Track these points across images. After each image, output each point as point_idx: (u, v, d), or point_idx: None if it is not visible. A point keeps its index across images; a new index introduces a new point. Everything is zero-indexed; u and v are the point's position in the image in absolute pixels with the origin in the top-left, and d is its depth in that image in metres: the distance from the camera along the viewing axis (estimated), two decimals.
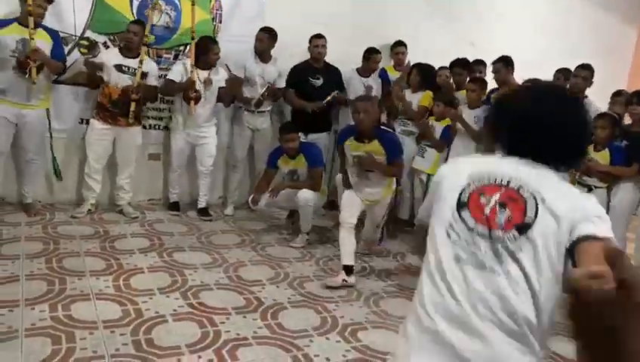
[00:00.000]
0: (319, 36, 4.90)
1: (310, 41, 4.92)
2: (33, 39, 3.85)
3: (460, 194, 1.36)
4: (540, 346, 1.29)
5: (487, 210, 1.31)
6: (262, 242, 4.30)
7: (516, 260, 1.26)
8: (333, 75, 5.04)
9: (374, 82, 5.31)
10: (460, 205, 1.34)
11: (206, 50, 4.47)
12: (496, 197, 1.32)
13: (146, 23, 4.40)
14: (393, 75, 5.43)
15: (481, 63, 5.04)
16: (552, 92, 1.50)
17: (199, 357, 2.57)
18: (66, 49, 4.40)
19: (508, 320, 1.25)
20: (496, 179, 1.35)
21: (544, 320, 1.28)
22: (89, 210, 4.46)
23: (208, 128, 4.68)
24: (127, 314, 2.89)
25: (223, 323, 2.92)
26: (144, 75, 4.33)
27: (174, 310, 3.01)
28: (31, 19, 3.84)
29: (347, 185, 3.88)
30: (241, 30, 4.88)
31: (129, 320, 2.83)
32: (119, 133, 4.40)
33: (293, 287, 3.50)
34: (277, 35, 4.72)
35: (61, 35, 4.38)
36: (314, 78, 4.95)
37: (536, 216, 1.28)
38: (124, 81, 4.28)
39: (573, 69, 4.33)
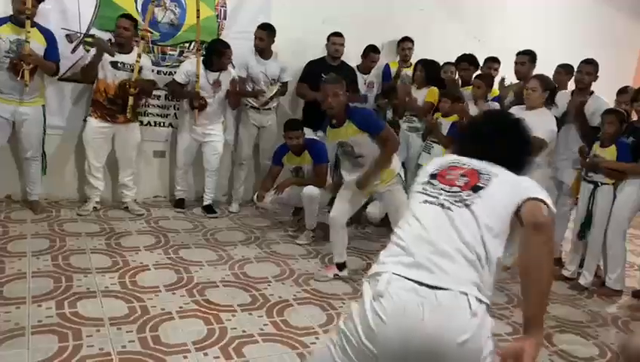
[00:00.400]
0: (338, 34, 4.91)
1: (328, 39, 4.92)
2: (28, 42, 3.84)
3: (433, 171, 1.76)
4: (489, 289, 1.52)
5: (451, 177, 1.70)
6: (267, 239, 4.30)
7: (469, 208, 1.58)
8: (347, 75, 5.00)
9: (375, 79, 5.30)
10: (432, 176, 1.74)
11: (220, 54, 4.46)
12: (460, 172, 1.71)
13: (145, 19, 4.38)
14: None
15: (494, 60, 4.99)
16: (498, 115, 2.19)
17: (205, 354, 2.57)
18: (71, 46, 4.41)
19: (465, 248, 1.52)
20: (461, 164, 1.75)
21: (491, 265, 1.53)
22: (94, 207, 4.46)
23: (215, 126, 4.68)
24: (133, 311, 2.90)
25: (229, 320, 2.92)
26: (139, 69, 4.30)
27: (180, 307, 3.01)
28: (28, 22, 3.82)
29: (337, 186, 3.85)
30: (246, 27, 4.87)
31: (135, 317, 2.83)
32: (117, 131, 4.38)
33: (298, 284, 3.49)
34: (275, 31, 4.70)
35: (66, 32, 4.39)
36: (326, 75, 4.92)
37: (488, 183, 1.64)
38: (119, 77, 4.24)
39: (584, 61, 4.26)
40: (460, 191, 1.64)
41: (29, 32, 3.85)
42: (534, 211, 1.53)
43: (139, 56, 4.27)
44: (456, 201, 1.61)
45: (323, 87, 3.48)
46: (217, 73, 4.51)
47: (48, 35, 4.04)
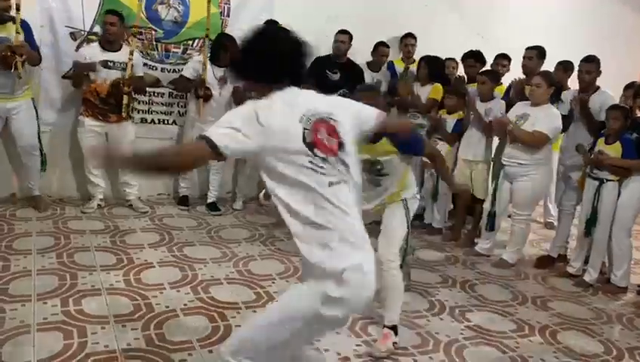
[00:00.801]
0: (343, 32, 4.90)
1: (335, 36, 4.92)
2: (19, 33, 3.82)
3: (303, 135, 1.67)
4: None
5: (326, 143, 1.70)
6: (271, 236, 4.30)
7: (346, 165, 1.74)
8: (353, 73, 5.00)
9: (383, 77, 5.29)
10: (308, 145, 1.67)
11: (225, 48, 4.44)
12: (324, 131, 1.72)
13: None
14: (401, 67, 5.40)
15: (504, 57, 4.95)
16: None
17: (210, 351, 2.58)
18: (75, 44, 4.41)
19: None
20: (314, 115, 1.72)
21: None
22: (98, 205, 4.47)
23: None
24: (138, 309, 2.90)
25: (234, 317, 2.93)
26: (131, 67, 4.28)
27: (185, 304, 3.02)
28: (18, 15, 3.81)
29: None
30: (249, 24, 4.83)
31: (140, 315, 2.84)
32: (110, 130, 4.36)
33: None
34: None
35: (70, 30, 4.40)
36: (331, 72, 4.93)
37: (341, 134, 1.75)
38: (111, 76, 4.22)
39: (584, 59, 4.23)
40: (338, 155, 1.73)
41: (19, 23, 3.80)
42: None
43: (131, 53, 4.25)
44: (345, 166, 1.74)
45: (357, 98, 3.36)
46: (224, 69, 4.50)
47: (24, 26, 3.96)
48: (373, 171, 2.93)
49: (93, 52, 4.22)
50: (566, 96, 4.21)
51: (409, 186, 2.97)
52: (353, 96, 2.88)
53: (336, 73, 4.93)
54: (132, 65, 4.25)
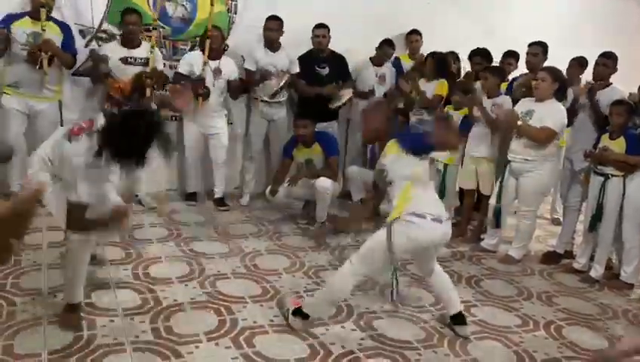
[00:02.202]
0: (320, 26, 4.90)
1: (312, 31, 4.91)
2: (45, 30, 3.90)
3: None
4: None
5: None
6: (278, 232, 4.33)
7: None
8: (339, 64, 5.03)
9: (388, 71, 5.31)
10: None
11: (205, 37, 4.47)
12: None
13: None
14: (407, 63, 5.41)
15: (511, 55, 4.92)
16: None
17: (216, 344, 2.61)
18: (84, 41, 4.46)
19: None
20: None
21: None
22: None
23: (218, 119, 4.71)
24: (146, 302, 2.95)
25: (240, 311, 2.96)
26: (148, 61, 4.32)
27: (192, 298, 3.06)
28: (43, 11, 3.88)
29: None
30: (256, 21, 4.89)
31: (148, 308, 2.89)
32: None
33: (309, 276, 3.53)
34: (284, 23, 4.71)
35: (79, 27, 4.44)
36: (320, 67, 4.95)
37: None
38: (132, 72, 4.27)
39: (603, 54, 4.20)
40: None
41: (45, 20, 3.90)
42: None
43: (152, 47, 4.30)
44: None
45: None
46: (217, 61, 4.53)
47: (64, 28, 4.10)
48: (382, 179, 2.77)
49: (113, 50, 4.30)
50: (572, 91, 4.20)
51: (408, 204, 2.58)
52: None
53: (324, 68, 4.96)
54: (153, 60, 4.31)
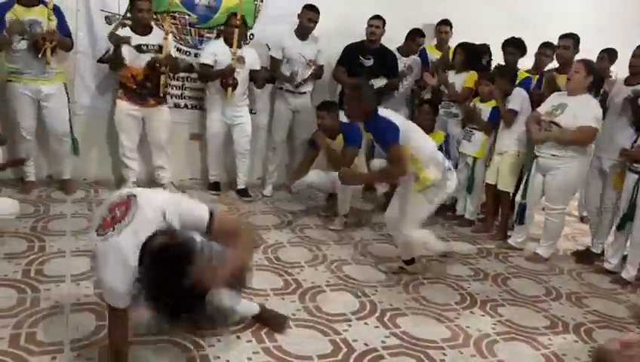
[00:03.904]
0: (376, 17, 4.83)
1: (367, 22, 4.85)
2: (51, 20, 3.87)
3: None
4: None
5: None
6: (300, 224, 4.29)
7: None
8: (386, 59, 4.93)
9: (414, 62, 5.20)
10: None
11: (225, 25, 4.46)
12: None
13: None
14: (433, 54, 5.29)
15: (547, 46, 4.71)
16: None
17: (238, 337, 2.58)
18: (109, 28, 4.44)
19: None
20: None
21: None
22: None
23: (242, 108, 4.67)
24: None
25: (262, 304, 2.92)
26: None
27: None
28: (50, 1, 3.85)
29: None
30: (283, 10, 4.83)
31: None
32: (147, 114, 4.39)
33: (331, 270, 3.48)
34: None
35: (105, 14, 4.43)
36: (364, 58, 4.86)
37: None
38: (145, 59, 4.23)
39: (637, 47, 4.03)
40: None
41: (51, 9, 3.87)
42: None
43: (167, 33, 4.26)
44: None
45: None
46: (240, 50, 4.48)
47: (57, 11, 4.00)
48: None
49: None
50: (608, 87, 4.04)
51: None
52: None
53: (369, 59, 4.86)
54: (167, 46, 4.26)
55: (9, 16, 3.85)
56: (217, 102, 4.60)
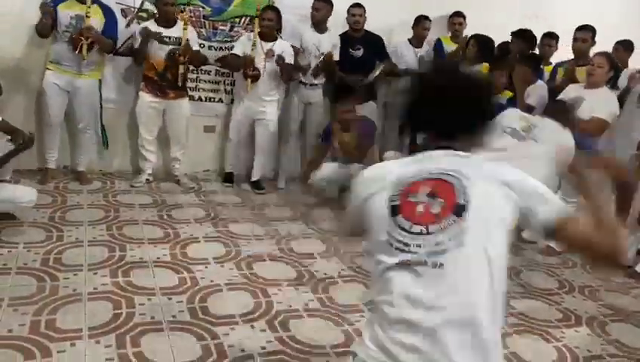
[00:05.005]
0: (356, 5, 4.79)
1: (348, 11, 4.81)
2: (89, 17, 3.95)
3: (391, 201, 1.33)
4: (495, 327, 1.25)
5: (419, 208, 1.30)
6: (313, 216, 4.32)
7: (462, 244, 1.24)
8: (374, 45, 4.92)
9: (427, 54, 5.18)
10: (394, 212, 1.32)
11: (256, 17, 4.45)
12: (425, 190, 1.32)
13: None
14: (448, 45, 5.25)
15: (551, 37, 4.70)
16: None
17: (252, 326, 2.62)
18: (125, 21, 4.49)
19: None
20: (418, 175, 1.35)
21: (497, 289, 1.26)
22: (147, 179, 4.58)
23: (269, 103, 4.64)
24: (183, 282, 2.98)
25: (276, 294, 2.96)
26: (187, 40, 4.31)
27: (229, 280, 3.07)
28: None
29: None
30: (297, 1, 4.82)
31: (185, 288, 2.91)
32: (168, 106, 4.44)
33: (344, 262, 3.50)
34: (333, 4, 4.63)
35: (121, 6, 4.47)
36: (354, 49, 4.85)
37: (468, 195, 1.28)
38: (166, 51, 4.28)
39: None
40: (441, 225, 1.27)
41: (89, 7, 3.96)
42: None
43: (185, 24, 4.29)
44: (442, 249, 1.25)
45: None
46: (271, 43, 4.49)
47: (107, 12, 4.14)
48: None
49: (149, 28, 4.28)
50: (622, 77, 4.00)
51: None
52: None
53: (359, 49, 4.84)
54: (187, 39, 4.30)
55: (61, 9, 3.97)
56: (242, 94, 4.62)
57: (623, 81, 3.96)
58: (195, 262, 3.25)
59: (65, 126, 4.43)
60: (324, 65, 4.76)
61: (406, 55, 5.13)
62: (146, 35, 4.20)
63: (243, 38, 4.57)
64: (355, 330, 2.67)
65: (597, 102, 3.65)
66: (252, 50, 4.41)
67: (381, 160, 4.59)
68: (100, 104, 4.36)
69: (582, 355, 2.69)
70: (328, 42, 4.74)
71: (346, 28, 4.90)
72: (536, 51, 4.79)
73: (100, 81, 4.31)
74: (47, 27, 3.95)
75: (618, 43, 4.45)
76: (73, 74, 4.12)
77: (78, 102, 4.22)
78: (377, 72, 4.80)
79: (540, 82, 4.25)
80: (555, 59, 4.84)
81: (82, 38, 3.94)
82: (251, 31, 4.63)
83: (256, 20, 4.41)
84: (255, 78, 4.45)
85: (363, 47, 4.85)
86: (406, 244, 1.28)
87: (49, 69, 4.12)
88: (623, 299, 3.38)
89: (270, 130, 4.71)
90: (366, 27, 4.89)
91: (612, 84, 3.77)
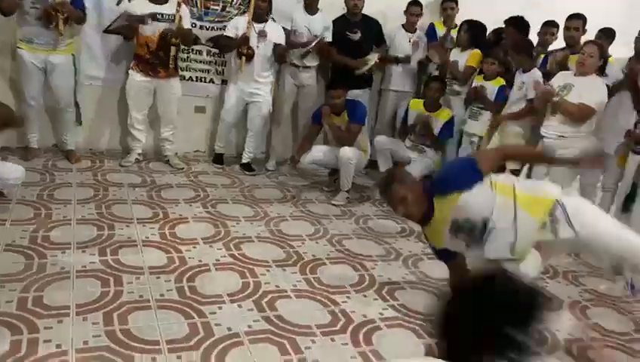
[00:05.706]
0: None
1: None
2: None
3: None
4: None
5: None
6: (303, 198, 4.33)
7: None
8: (371, 28, 4.91)
9: (420, 39, 5.17)
10: None
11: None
12: None
13: None
14: (442, 30, 5.24)
15: (551, 25, 4.68)
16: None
17: (239, 306, 2.65)
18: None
19: None
20: None
21: None
22: (136, 159, 4.57)
23: (262, 86, 4.64)
24: (171, 262, 2.99)
25: (263, 274, 2.99)
26: (179, 19, 4.27)
27: (217, 260, 3.09)
28: None
29: None
30: None
31: (173, 268, 2.93)
32: (158, 85, 4.41)
33: (332, 244, 3.53)
34: None
35: None
36: (351, 32, 4.83)
37: None
38: (160, 29, 4.22)
39: None
40: None
41: None
42: None
43: (179, 5, 4.25)
44: None
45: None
46: (262, 24, 4.47)
47: None
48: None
49: (141, 5, 4.23)
50: (610, 66, 4.02)
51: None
52: None
53: (356, 33, 4.83)
54: (180, 17, 4.26)
55: None
56: (235, 75, 4.60)
57: (609, 70, 3.97)
58: (184, 241, 3.26)
59: (46, 103, 4.35)
60: (319, 52, 4.75)
61: (400, 40, 5.12)
62: (136, 20, 4.16)
63: (235, 21, 4.53)
64: (341, 311, 2.71)
65: (586, 90, 3.67)
66: (248, 29, 4.39)
67: (372, 144, 4.63)
68: (75, 80, 4.27)
69: (563, 338, 2.74)
70: (320, 24, 4.72)
71: (338, 10, 4.87)
72: (536, 39, 4.77)
73: (74, 56, 4.22)
74: (12, 3, 3.82)
75: (600, 31, 4.46)
76: (47, 51, 4.03)
77: (56, 81, 4.13)
78: (369, 66, 4.79)
79: (535, 71, 4.25)
80: (553, 47, 4.83)
81: (57, 12, 3.86)
82: (244, 12, 4.60)
83: (252, 1, 4.37)
84: (249, 57, 4.43)
85: (360, 30, 4.83)
86: None
87: (21, 48, 4.01)
88: (605, 284, 3.43)
89: (263, 111, 4.70)
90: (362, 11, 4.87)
91: (600, 73, 3.78)
